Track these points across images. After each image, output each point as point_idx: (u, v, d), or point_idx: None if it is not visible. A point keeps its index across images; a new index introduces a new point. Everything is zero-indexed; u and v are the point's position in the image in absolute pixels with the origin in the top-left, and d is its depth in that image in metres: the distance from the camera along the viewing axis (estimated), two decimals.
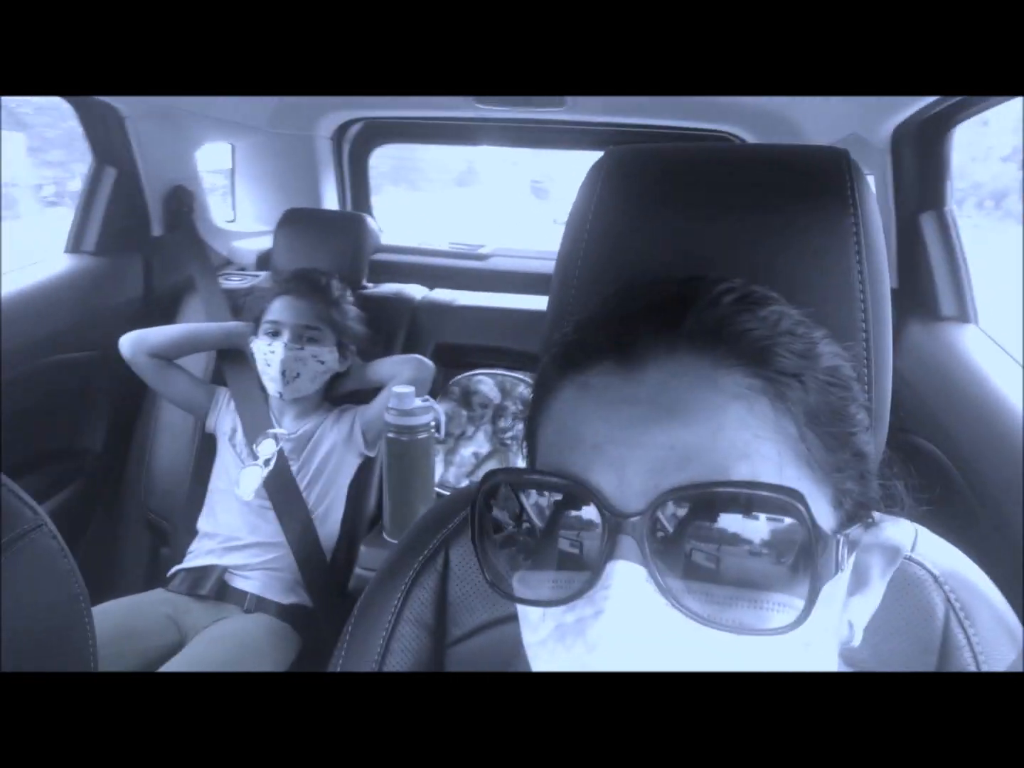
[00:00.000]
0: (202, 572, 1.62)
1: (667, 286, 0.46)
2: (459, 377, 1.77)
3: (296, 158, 2.26)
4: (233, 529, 1.66)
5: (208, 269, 1.99)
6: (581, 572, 0.40)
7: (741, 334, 0.42)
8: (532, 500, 0.43)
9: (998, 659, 0.58)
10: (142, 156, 1.85)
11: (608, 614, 0.38)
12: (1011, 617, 0.60)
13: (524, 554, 0.43)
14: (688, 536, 0.38)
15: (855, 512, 0.44)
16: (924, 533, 0.64)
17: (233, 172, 2.28)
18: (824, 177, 0.60)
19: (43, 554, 0.73)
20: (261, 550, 1.63)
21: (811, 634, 0.40)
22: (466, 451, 1.71)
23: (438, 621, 0.70)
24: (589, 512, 0.40)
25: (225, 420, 1.76)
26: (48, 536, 0.74)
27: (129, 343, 1.70)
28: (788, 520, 0.38)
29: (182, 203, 2.01)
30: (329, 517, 1.70)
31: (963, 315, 1.35)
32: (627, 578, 0.38)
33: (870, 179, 1.43)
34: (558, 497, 0.42)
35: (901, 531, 0.46)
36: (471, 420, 1.73)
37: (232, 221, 2.32)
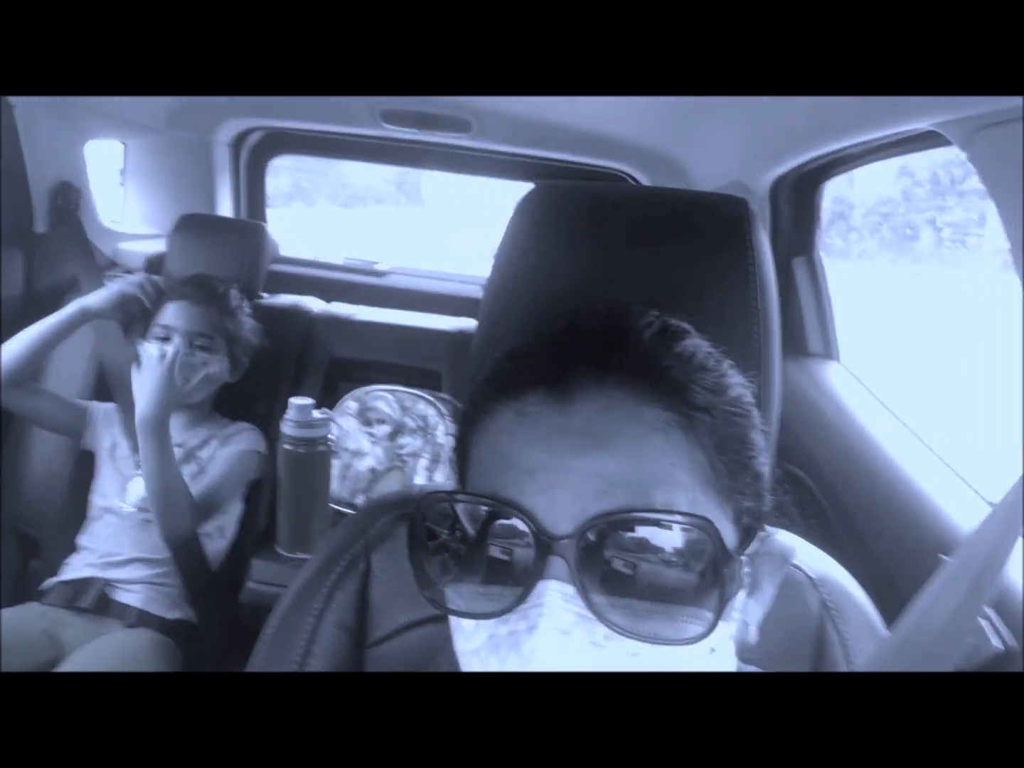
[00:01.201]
0: (81, 585, 1.54)
1: (595, 320, 0.51)
2: (355, 392, 1.78)
3: (191, 162, 2.21)
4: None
5: (93, 269, 1.91)
6: (513, 588, 0.44)
7: (662, 372, 0.47)
8: (467, 519, 0.47)
9: (864, 653, 0.67)
10: (28, 148, 1.77)
11: (541, 629, 0.42)
12: (875, 616, 0.69)
13: (458, 568, 0.47)
14: (612, 556, 0.43)
15: (751, 526, 0.50)
16: (801, 543, 0.72)
17: (124, 171, 2.20)
18: (728, 223, 0.68)
19: None
20: (144, 565, 1.57)
21: (716, 641, 0.46)
22: (362, 466, 1.72)
23: (359, 623, 0.73)
24: (522, 533, 0.44)
25: (103, 436, 1.69)
26: None
27: None
28: (699, 543, 0.43)
29: (68, 199, 1.93)
30: (218, 532, 1.67)
31: (828, 352, 1.49)
32: (558, 595, 0.42)
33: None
34: (493, 517, 0.45)
35: (787, 541, 0.52)
36: (368, 436, 1.74)
37: (117, 222, 2.24)
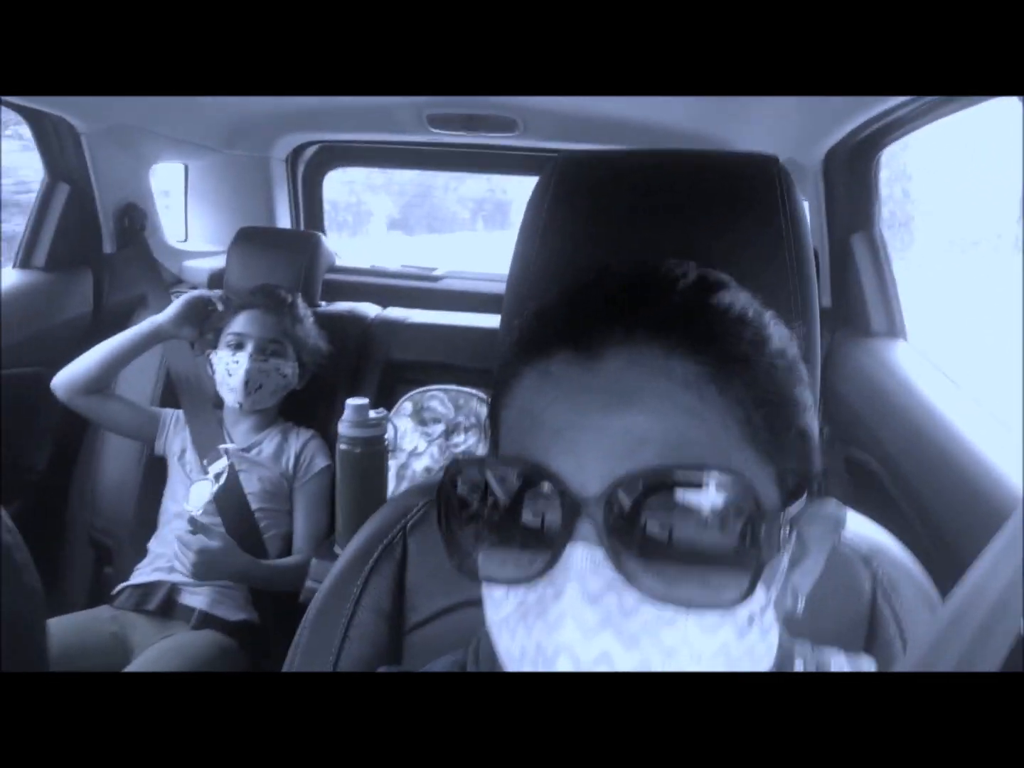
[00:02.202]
0: (149, 588, 1.59)
1: (622, 275, 0.48)
2: (411, 393, 1.79)
3: (249, 179, 2.28)
4: None
5: (160, 287, 1.99)
6: (543, 552, 0.42)
7: (694, 324, 0.44)
8: (495, 484, 0.45)
9: (921, 630, 0.62)
10: (96, 173, 1.85)
11: (568, 594, 0.40)
12: (931, 590, 0.65)
13: (488, 535, 0.45)
14: (641, 518, 0.40)
15: (797, 488, 0.46)
16: (852, 514, 0.68)
17: (186, 192, 2.28)
18: (757, 180, 0.66)
19: None
20: None
21: (755, 608, 0.43)
22: (418, 466, 1.72)
23: (396, 608, 0.72)
24: (549, 495, 0.42)
25: (174, 441, 1.75)
26: (3, 530, 0.74)
27: (62, 386, 1.66)
28: (734, 502, 0.41)
29: (134, 221, 2.01)
30: (283, 536, 1.70)
31: (893, 331, 1.42)
32: (585, 559, 0.40)
33: (805, 205, 1.52)
34: (520, 481, 0.44)
35: (838, 505, 0.49)
36: (423, 436, 1.75)
37: (184, 241, 2.32)
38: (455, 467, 0.47)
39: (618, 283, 0.47)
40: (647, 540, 0.41)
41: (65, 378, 1.66)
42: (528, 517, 0.43)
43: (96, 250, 1.95)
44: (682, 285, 0.47)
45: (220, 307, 1.77)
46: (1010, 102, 0.88)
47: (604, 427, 0.42)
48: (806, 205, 1.50)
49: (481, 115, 1.84)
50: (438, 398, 1.75)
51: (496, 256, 2.33)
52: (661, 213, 0.68)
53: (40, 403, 1.83)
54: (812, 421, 0.48)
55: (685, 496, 0.40)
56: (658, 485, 0.40)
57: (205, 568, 1.44)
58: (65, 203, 1.85)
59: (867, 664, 0.54)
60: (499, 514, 0.45)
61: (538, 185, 0.72)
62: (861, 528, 0.67)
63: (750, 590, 0.41)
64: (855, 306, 1.45)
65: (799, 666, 0.53)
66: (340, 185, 2.79)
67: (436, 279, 2.30)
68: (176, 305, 1.73)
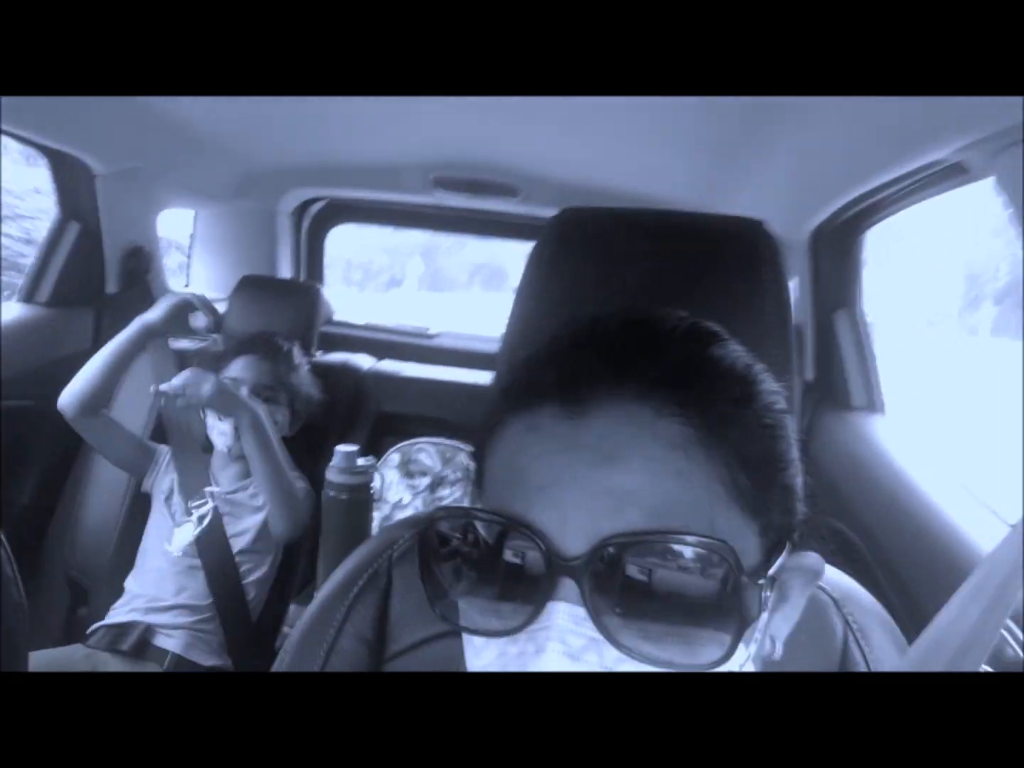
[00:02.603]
0: (123, 628, 1.57)
1: (614, 326, 0.48)
2: (400, 445, 1.81)
3: (255, 230, 2.34)
4: (159, 589, 1.62)
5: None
6: (523, 607, 0.42)
7: (684, 383, 0.44)
8: (478, 535, 0.45)
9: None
10: (107, 214, 1.89)
11: (548, 653, 0.40)
12: (900, 636, 0.67)
13: (470, 585, 0.45)
14: (625, 578, 0.40)
15: (780, 540, 0.46)
16: (826, 567, 0.71)
17: (193, 238, 2.33)
18: (745, 240, 0.70)
19: None
20: (187, 611, 1.60)
21: (736, 664, 0.43)
22: (401, 517, 1.73)
23: (378, 636, 0.73)
24: (532, 551, 0.42)
25: (163, 480, 1.75)
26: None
27: (69, 403, 1.66)
28: (717, 567, 0.41)
29: (139, 263, 2.05)
30: (262, 581, 1.69)
31: (872, 406, 1.46)
32: (567, 618, 0.40)
33: (792, 283, 1.58)
34: (503, 535, 0.44)
35: (818, 558, 0.50)
36: (409, 488, 1.76)
37: (187, 286, 2.36)
38: (439, 515, 0.47)
39: (608, 335, 0.47)
40: (629, 601, 0.41)
41: (70, 395, 1.67)
42: (509, 571, 0.43)
43: (99, 289, 1.98)
44: (673, 338, 0.46)
45: (204, 313, 1.81)
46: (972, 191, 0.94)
47: (589, 484, 0.42)
48: (793, 282, 1.57)
49: (485, 180, 1.91)
50: (426, 451, 1.77)
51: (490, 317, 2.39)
52: (654, 270, 0.72)
53: (29, 438, 1.83)
54: (796, 475, 0.48)
55: (669, 559, 0.41)
56: (642, 548, 0.40)
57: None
58: (74, 241, 1.89)
59: None
60: (481, 566, 0.45)
61: (540, 238, 0.76)
62: (833, 575, 0.69)
63: (731, 650, 0.41)
64: (836, 381, 1.50)
65: None
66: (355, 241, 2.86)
67: (430, 337, 2.34)
68: (162, 303, 1.77)
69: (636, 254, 0.72)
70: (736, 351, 0.48)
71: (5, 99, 1.32)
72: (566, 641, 0.40)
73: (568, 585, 0.41)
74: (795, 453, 0.49)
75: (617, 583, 0.41)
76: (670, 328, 0.47)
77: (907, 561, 1.09)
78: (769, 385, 0.48)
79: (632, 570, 0.41)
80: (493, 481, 0.47)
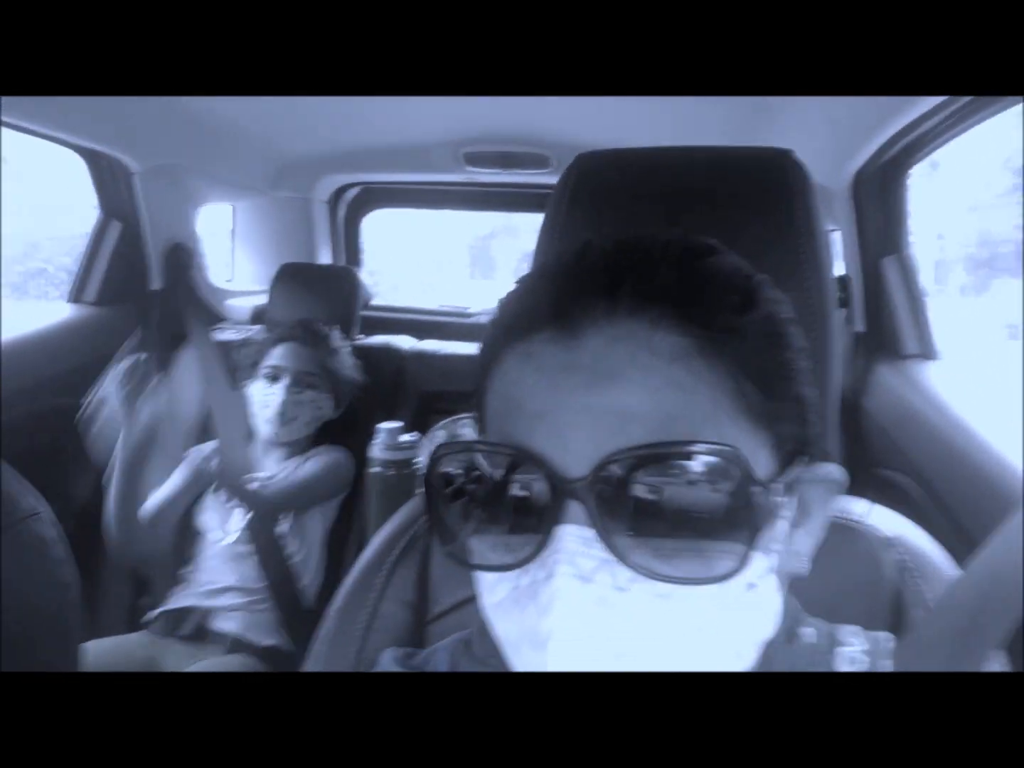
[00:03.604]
0: (182, 613, 1.61)
1: (603, 249, 0.47)
2: (444, 422, 1.81)
3: (292, 220, 2.36)
4: (216, 573, 1.66)
5: (203, 325, 2.04)
6: (532, 536, 0.42)
7: (676, 295, 0.43)
8: (481, 469, 0.44)
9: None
10: (147, 212, 1.93)
11: (559, 576, 0.40)
12: (954, 571, 0.64)
13: (477, 521, 0.45)
14: (631, 496, 0.40)
15: (794, 452, 0.46)
16: (878, 507, 0.68)
17: (233, 232, 2.36)
18: (772, 173, 0.68)
19: (37, 541, 0.76)
20: (243, 593, 1.63)
21: (754, 575, 0.42)
22: None
23: (420, 599, 0.73)
24: (536, 479, 0.42)
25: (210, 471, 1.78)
26: (47, 524, 0.77)
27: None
28: (725, 474, 0.40)
29: (181, 259, 2.08)
30: (311, 560, 1.71)
31: (926, 353, 1.41)
32: (575, 540, 0.40)
33: (836, 235, 1.53)
34: (506, 466, 0.43)
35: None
36: None
37: (230, 280, 2.39)
38: (441, 452, 0.46)
39: (598, 257, 0.46)
40: (637, 517, 0.40)
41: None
42: (515, 502, 0.43)
43: (142, 287, 2.02)
44: (665, 254, 0.45)
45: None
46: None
47: (588, 406, 0.41)
48: (837, 233, 1.51)
49: (516, 152, 1.89)
50: (470, 426, 1.76)
51: None
52: (678, 207, 0.70)
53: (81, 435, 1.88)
54: (808, 386, 0.47)
55: (675, 470, 0.40)
56: (645, 462, 0.40)
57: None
58: (117, 241, 1.93)
59: (884, 639, 0.53)
60: (486, 500, 0.44)
61: (558, 183, 0.74)
62: (884, 515, 0.67)
63: (745, 561, 0.41)
64: (888, 330, 1.45)
65: (809, 636, 0.52)
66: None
67: (470, 316, 2.34)
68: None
69: (656, 192, 0.70)
70: (733, 261, 0.47)
71: (38, 100, 1.34)
72: (575, 563, 0.40)
73: (574, 508, 0.40)
74: (804, 363, 0.47)
75: (624, 501, 0.40)
76: (663, 245, 0.46)
77: (966, 507, 1.06)
78: (770, 293, 0.46)
79: (637, 487, 0.40)
80: (493, 415, 0.47)
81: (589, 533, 0.40)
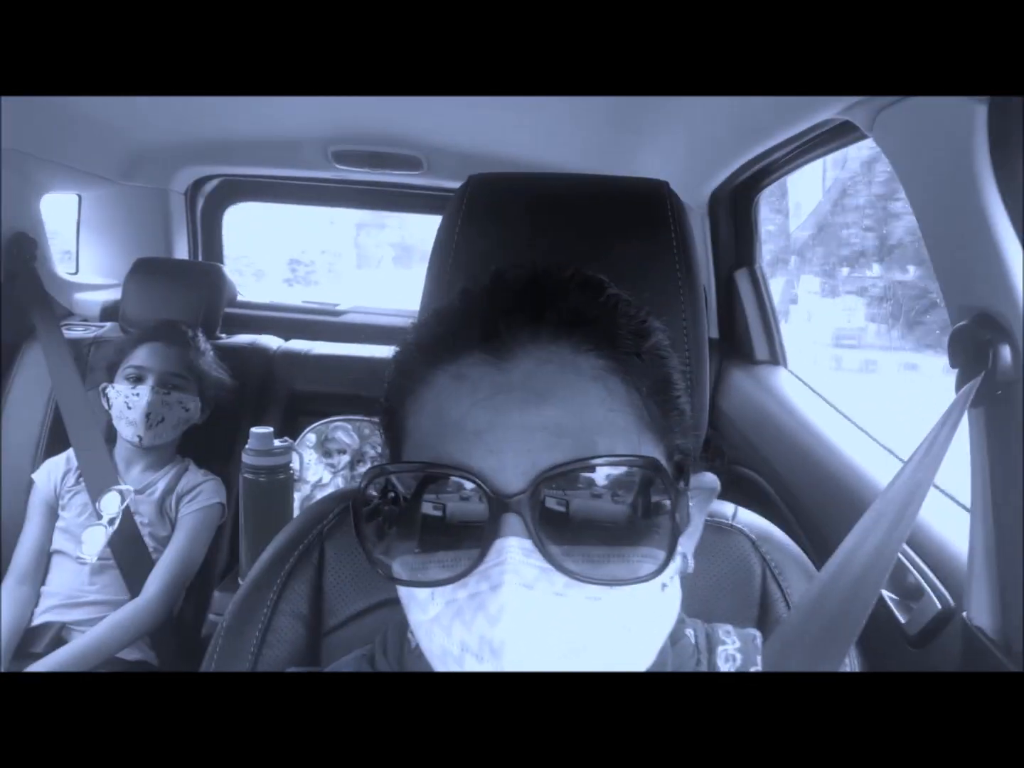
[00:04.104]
0: (37, 631, 1.52)
1: (522, 276, 0.51)
2: (315, 424, 1.79)
3: (146, 212, 2.23)
4: (75, 587, 1.57)
5: (51, 319, 1.91)
6: (469, 550, 0.44)
7: (592, 321, 0.48)
8: (416, 489, 0.46)
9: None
10: None
11: (507, 585, 0.42)
12: (811, 569, 0.71)
13: (408, 540, 0.46)
14: (565, 507, 0.44)
15: (682, 463, 0.51)
16: (741, 509, 0.75)
17: (79, 223, 2.22)
18: (650, 202, 0.73)
19: None
20: (105, 607, 1.55)
21: (666, 576, 0.47)
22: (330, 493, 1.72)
23: (313, 611, 0.73)
24: (473, 495, 0.44)
25: (49, 491, 1.68)
26: None
27: None
28: (648, 483, 0.45)
29: (24, 251, 1.94)
30: None
31: (774, 359, 1.54)
32: (518, 551, 0.43)
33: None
34: (439, 484, 0.45)
35: (712, 477, 0.55)
36: (328, 467, 1.74)
37: (75, 273, 2.25)
38: (375, 472, 0.48)
39: (519, 286, 0.50)
40: (570, 527, 0.44)
41: None
42: (450, 518, 0.45)
43: None
44: (571, 286, 0.50)
45: None
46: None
47: (523, 424, 0.44)
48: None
49: (387, 152, 1.88)
50: (343, 428, 1.75)
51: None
52: (563, 233, 0.74)
53: None
54: (687, 402, 0.54)
55: (603, 482, 0.44)
56: (578, 475, 0.43)
57: None
58: None
59: (751, 636, 0.59)
60: (421, 518, 0.46)
61: (450, 205, 0.77)
62: (749, 518, 0.73)
63: (667, 561, 0.45)
64: (739, 337, 1.56)
65: (690, 636, 0.58)
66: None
67: (338, 314, 2.31)
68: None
69: (544, 218, 0.74)
70: (622, 295, 0.52)
71: None
72: (520, 572, 0.42)
73: (513, 521, 0.43)
74: (683, 382, 0.53)
75: (558, 511, 0.44)
76: (567, 277, 0.51)
77: (813, 500, 1.16)
78: (655, 323, 0.52)
79: (571, 498, 0.44)
80: (421, 435, 0.48)
81: (528, 543, 0.43)
